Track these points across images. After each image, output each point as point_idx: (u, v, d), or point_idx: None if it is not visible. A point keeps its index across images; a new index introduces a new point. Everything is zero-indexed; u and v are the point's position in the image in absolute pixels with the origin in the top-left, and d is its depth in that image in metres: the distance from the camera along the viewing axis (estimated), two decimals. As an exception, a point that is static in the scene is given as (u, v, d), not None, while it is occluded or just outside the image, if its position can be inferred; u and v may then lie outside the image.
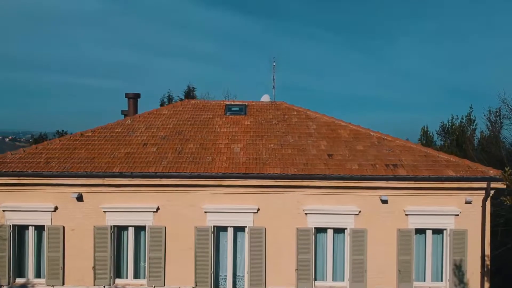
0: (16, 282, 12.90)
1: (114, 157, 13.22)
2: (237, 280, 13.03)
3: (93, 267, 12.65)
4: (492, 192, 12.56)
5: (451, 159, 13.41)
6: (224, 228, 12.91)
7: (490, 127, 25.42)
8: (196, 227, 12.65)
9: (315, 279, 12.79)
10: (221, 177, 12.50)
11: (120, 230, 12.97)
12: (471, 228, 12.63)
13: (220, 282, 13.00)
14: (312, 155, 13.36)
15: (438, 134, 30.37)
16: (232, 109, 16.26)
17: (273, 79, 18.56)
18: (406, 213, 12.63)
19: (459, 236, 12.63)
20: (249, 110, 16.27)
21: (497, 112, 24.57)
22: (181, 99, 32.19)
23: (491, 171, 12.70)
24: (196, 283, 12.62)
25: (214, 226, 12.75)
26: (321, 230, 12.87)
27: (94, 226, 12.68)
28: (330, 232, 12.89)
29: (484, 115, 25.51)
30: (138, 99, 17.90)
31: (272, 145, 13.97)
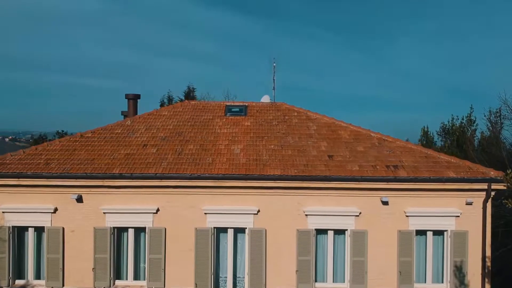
0: (16, 283, 12.87)
1: (114, 158, 13.19)
2: (237, 281, 13.00)
3: (93, 268, 12.63)
4: (493, 193, 12.52)
5: (452, 160, 13.38)
6: (224, 230, 12.88)
7: (491, 128, 25.40)
8: (196, 229, 12.62)
9: (316, 281, 12.76)
10: (221, 178, 12.47)
11: (120, 231, 12.94)
12: (471, 229, 12.60)
13: (220, 284, 12.97)
14: (312, 156, 13.33)
15: (438, 134, 30.39)
16: (232, 110, 16.23)
17: (273, 79, 18.53)
18: (407, 214, 12.61)
19: (460, 238, 12.60)
20: (249, 111, 16.25)
21: (497, 112, 24.56)
22: (181, 100, 32.19)
23: (492, 173, 12.67)
24: (196, 284, 12.59)
25: (214, 228, 12.72)
26: (321, 232, 12.85)
27: (94, 228, 12.64)
28: (330, 233, 12.86)
29: (485, 116, 25.52)
30: (138, 100, 17.89)
31: (272, 146, 13.94)
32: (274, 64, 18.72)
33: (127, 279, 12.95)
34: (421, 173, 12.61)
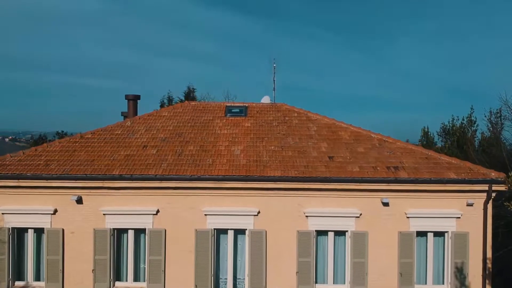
0: (15, 285, 12.84)
1: (114, 159, 13.16)
2: (237, 283, 12.97)
3: (92, 270, 12.60)
4: (493, 194, 12.50)
5: (453, 161, 13.35)
6: (224, 231, 12.85)
7: (491, 128, 25.38)
8: (196, 230, 12.59)
9: (316, 282, 12.74)
10: (221, 179, 12.45)
11: (120, 233, 12.91)
12: (472, 230, 12.57)
13: (220, 285, 12.93)
14: (312, 157, 13.30)
15: (439, 135, 30.39)
16: (233, 110, 16.21)
17: (274, 80, 18.50)
18: (407, 215, 12.58)
19: (461, 239, 12.57)
20: (249, 111, 16.22)
21: (498, 113, 24.54)
22: (181, 100, 32.18)
23: (493, 174, 12.64)
24: (196, 286, 12.56)
25: (214, 229, 12.70)
26: (322, 233, 12.82)
27: (94, 229, 12.61)
28: (331, 234, 12.83)
29: (485, 116, 25.51)
30: (138, 100, 17.88)
31: (272, 147, 13.91)
32: (274, 65, 18.70)
33: (127, 280, 12.92)
34: (421, 174, 12.58)
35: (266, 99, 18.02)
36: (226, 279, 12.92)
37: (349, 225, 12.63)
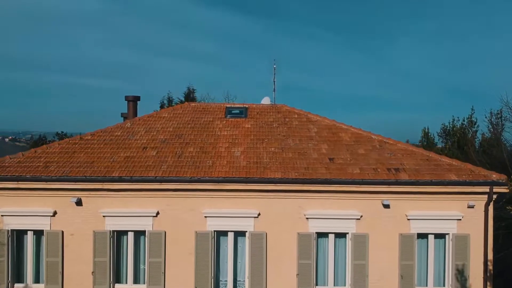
0: (15, 287, 12.79)
1: (114, 161, 13.12)
2: (237, 285, 12.92)
3: (92, 272, 12.55)
4: (494, 196, 12.46)
5: (453, 163, 13.31)
6: (224, 233, 12.81)
7: (492, 129, 25.33)
8: (196, 232, 12.55)
9: (316, 284, 12.69)
10: (222, 181, 12.41)
11: (119, 235, 12.87)
12: (473, 232, 12.53)
13: (220, 287, 12.89)
14: (313, 159, 13.26)
15: (439, 136, 30.33)
16: (233, 111, 16.17)
17: (274, 81, 18.46)
18: (408, 217, 12.54)
19: (462, 241, 12.53)
20: (249, 112, 16.18)
21: (498, 114, 24.49)
22: (181, 101, 32.14)
23: (494, 175, 12.60)
24: (196, 288, 12.53)
25: (214, 231, 12.65)
26: (322, 235, 12.77)
27: (94, 231, 12.57)
28: (331, 237, 12.78)
29: (486, 117, 25.43)
30: (137, 101, 17.84)
31: (272, 148, 13.87)
32: (275, 66, 18.66)
33: (126, 282, 12.88)
34: (422, 176, 12.54)
35: (266, 100, 17.98)
36: (226, 281, 12.88)
37: (350, 227, 12.59)
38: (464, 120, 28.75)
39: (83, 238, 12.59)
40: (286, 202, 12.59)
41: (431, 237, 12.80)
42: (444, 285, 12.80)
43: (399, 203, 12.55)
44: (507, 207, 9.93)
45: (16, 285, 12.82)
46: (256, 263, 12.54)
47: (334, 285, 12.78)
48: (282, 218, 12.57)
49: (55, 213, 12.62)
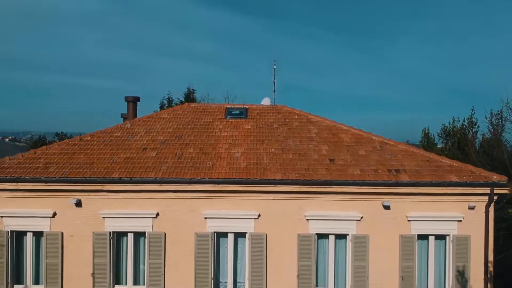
0: (14, 288, 12.78)
1: (114, 162, 13.09)
2: (237, 286, 12.88)
3: (92, 273, 12.52)
4: (495, 197, 12.42)
5: (454, 164, 13.28)
6: (224, 234, 12.77)
7: (492, 130, 25.31)
8: (196, 233, 12.51)
9: (317, 286, 12.66)
10: (222, 182, 12.38)
11: (119, 236, 12.83)
12: (474, 234, 12.49)
13: (220, 289, 12.88)
14: (313, 160, 13.23)
15: (439, 136, 30.32)
16: (233, 112, 16.14)
17: (274, 82, 18.43)
18: (409, 219, 12.50)
19: (462, 242, 12.50)
20: (249, 113, 16.15)
21: (498, 114, 24.47)
22: (181, 101, 32.11)
23: (495, 177, 12.57)
24: (196, 289, 12.49)
25: (214, 232, 12.62)
26: (322, 236, 12.74)
27: (93, 232, 12.54)
28: (331, 238, 12.75)
29: (486, 118, 25.42)
30: (137, 102, 17.81)
31: (273, 149, 13.84)
32: (275, 67, 18.63)
33: (126, 284, 12.84)
34: (423, 177, 12.51)
35: (266, 101, 17.95)
36: (226, 282, 12.85)
37: (350, 229, 12.55)
38: (464, 121, 28.76)
39: (82, 240, 12.56)
40: (286, 203, 12.56)
41: (431, 239, 12.77)
42: (444, 287, 12.77)
43: (399, 204, 12.52)
44: (510, 210, 9.90)
45: (15, 286, 12.78)
46: (256, 264, 12.51)
47: (334, 287, 12.75)
48: (282, 219, 12.54)
49: (54, 214, 12.58)
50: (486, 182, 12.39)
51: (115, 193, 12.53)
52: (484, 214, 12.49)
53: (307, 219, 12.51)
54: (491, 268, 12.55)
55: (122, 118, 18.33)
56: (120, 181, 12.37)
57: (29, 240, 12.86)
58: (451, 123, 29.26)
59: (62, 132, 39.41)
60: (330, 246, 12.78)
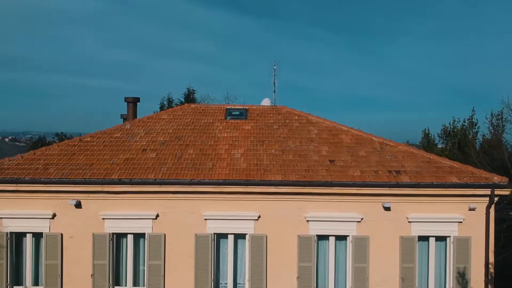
0: (13, 290, 12.75)
1: (113, 163, 13.06)
2: (237, 288, 12.88)
3: (91, 275, 12.49)
4: (496, 199, 12.40)
5: (455, 165, 13.25)
6: (224, 236, 12.74)
7: (492, 131, 25.28)
8: (196, 235, 12.48)
9: (317, 287, 12.63)
10: (222, 183, 12.35)
11: (119, 237, 12.80)
12: (474, 235, 12.47)
13: (220, 290, 12.85)
14: (313, 161, 13.20)
15: (439, 137, 30.28)
16: (233, 113, 16.11)
17: (274, 83, 18.40)
18: (409, 220, 12.48)
19: (463, 244, 12.47)
20: (249, 114, 16.12)
21: (499, 115, 24.45)
22: (181, 102, 32.09)
23: (495, 178, 12.54)
24: (196, 291, 12.46)
25: (214, 234, 12.59)
26: (322, 238, 12.71)
27: (93, 234, 12.51)
28: (332, 239, 12.72)
29: (486, 118, 25.39)
30: (137, 103, 17.78)
31: (273, 150, 13.81)
32: (275, 68, 18.61)
33: (126, 285, 12.81)
34: (423, 178, 12.48)
35: (266, 102, 17.94)
36: (226, 284, 12.82)
37: (350, 230, 12.53)
38: (464, 121, 28.72)
39: (82, 241, 12.53)
40: (287, 204, 12.53)
41: (432, 240, 12.74)
42: (445, 288, 12.75)
43: (400, 206, 12.50)
44: (511, 213, 9.88)
45: (15, 287, 12.77)
46: (256, 265, 12.48)
47: (334, 288, 12.74)
48: (282, 221, 12.51)
49: (54, 215, 12.55)
50: (486, 183, 12.37)
51: (115, 194, 12.50)
52: (484, 215, 12.47)
53: (307, 220, 12.49)
54: (491, 270, 12.52)
55: (122, 119, 18.30)
56: (120, 182, 12.34)
57: (28, 241, 12.83)
58: (452, 124, 29.24)
59: (62, 133, 39.41)
60: (330, 247, 12.75)
